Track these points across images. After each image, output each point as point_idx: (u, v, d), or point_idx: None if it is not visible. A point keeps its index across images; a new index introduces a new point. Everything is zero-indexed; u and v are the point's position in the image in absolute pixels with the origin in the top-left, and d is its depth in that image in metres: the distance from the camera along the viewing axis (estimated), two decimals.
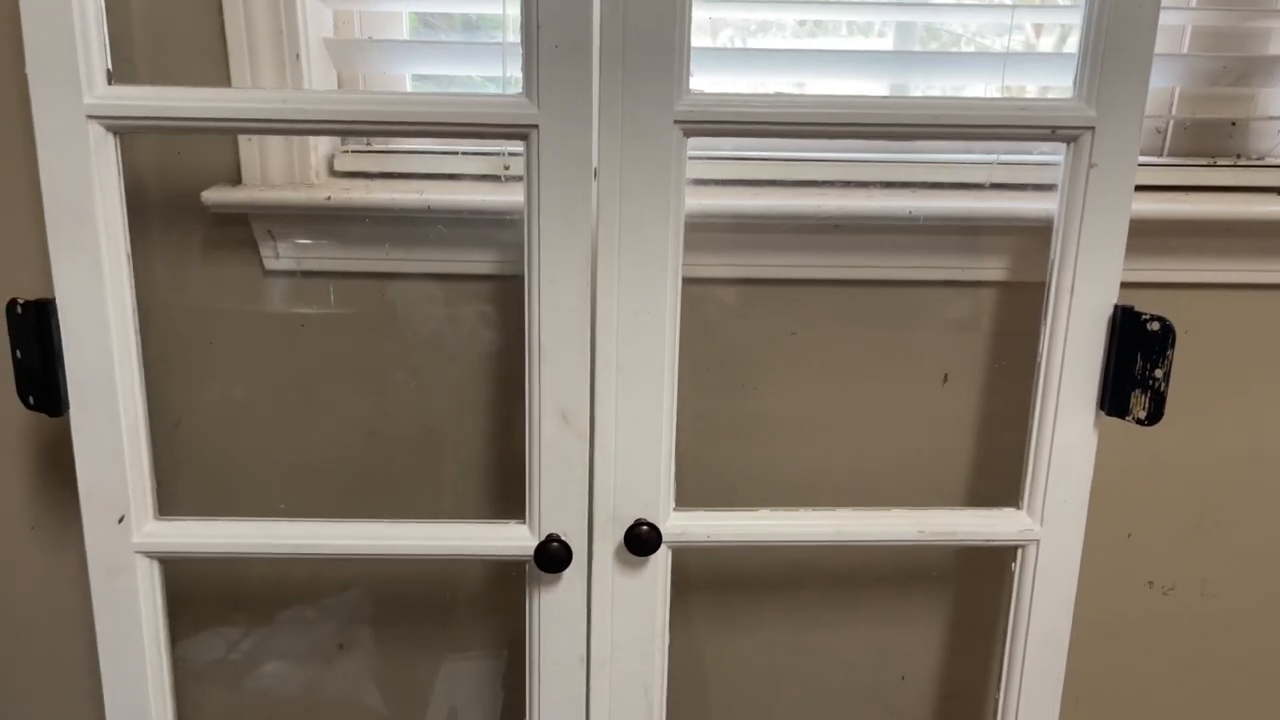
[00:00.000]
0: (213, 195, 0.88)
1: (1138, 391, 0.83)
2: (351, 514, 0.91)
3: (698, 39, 0.98)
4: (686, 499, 0.87)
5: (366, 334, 0.96)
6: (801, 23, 1.02)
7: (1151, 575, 1.09)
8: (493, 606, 1.07)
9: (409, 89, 0.98)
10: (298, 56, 0.86)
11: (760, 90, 0.97)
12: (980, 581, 1.08)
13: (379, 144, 0.95)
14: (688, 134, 0.78)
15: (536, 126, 0.76)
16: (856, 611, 1.08)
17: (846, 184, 0.94)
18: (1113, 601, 1.09)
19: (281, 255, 0.92)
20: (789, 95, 0.80)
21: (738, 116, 0.78)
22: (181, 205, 0.91)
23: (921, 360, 1.00)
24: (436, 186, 0.92)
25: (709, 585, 1.07)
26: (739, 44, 1.02)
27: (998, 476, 1.03)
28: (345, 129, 0.78)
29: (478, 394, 0.98)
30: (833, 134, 0.80)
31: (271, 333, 0.96)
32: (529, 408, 0.82)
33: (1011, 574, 0.90)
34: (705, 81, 0.93)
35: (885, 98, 0.80)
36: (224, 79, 0.87)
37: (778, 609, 1.08)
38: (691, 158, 0.80)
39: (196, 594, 1.04)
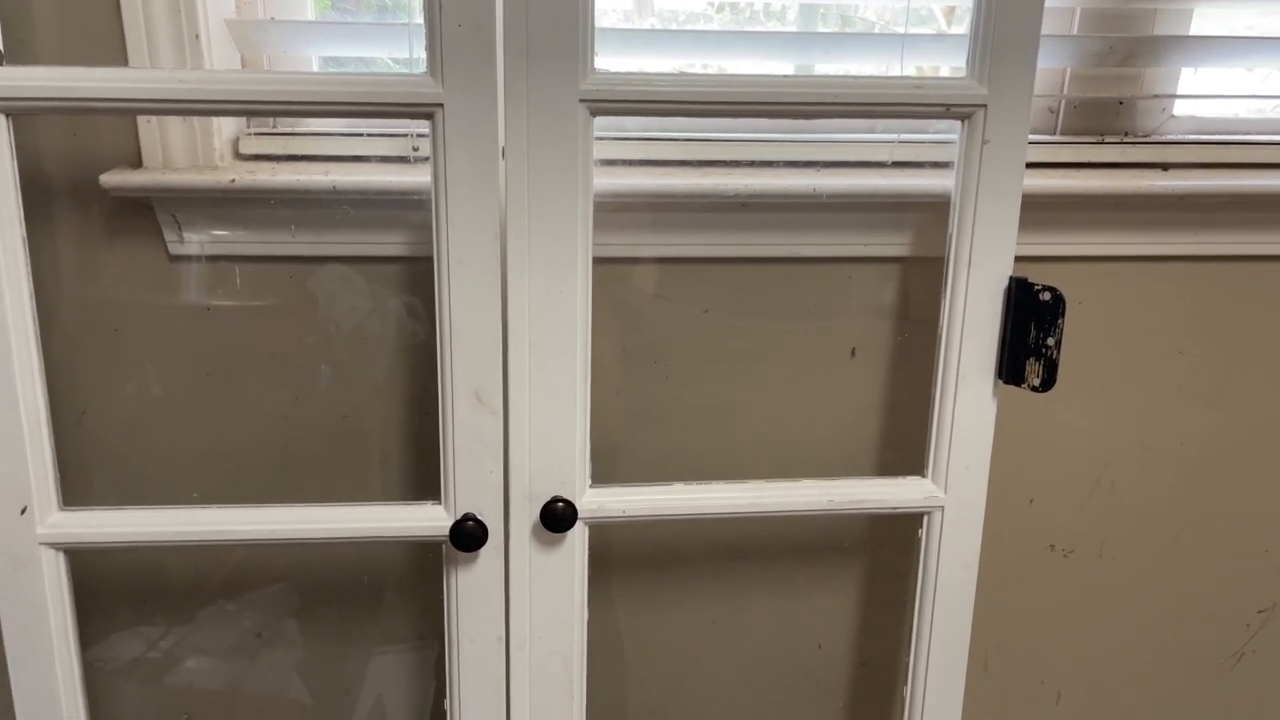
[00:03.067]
0: (112, 179, 0.86)
1: (1032, 360, 0.86)
2: (267, 503, 0.89)
3: (612, 21, 0.99)
4: (601, 479, 0.87)
5: (277, 319, 0.95)
6: (719, 8, 1.03)
7: (1053, 539, 1.13)
8: (424, 593, 1.06)
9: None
10: (197, 37, 0.85)
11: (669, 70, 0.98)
12: (891, 551, 1.10)
13: (285, 126, 0.94)
14: (594, 113, 0.78)
15: (441, 105, 0.76)
16: (773, 585, 1.10)
17: (753, 163, 0.96)
18: (1017, 565, 1.13)
19: (187, 240, 0.91)
20: (692, 75, 0.81)
21: (642, 95, 0.79)
22: (81, 190, 0.89)
23: (829, 336, 1.02)
24: (344, 168, 0.91)
25: (628, 564, 1.08)
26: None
27: (905, 447, 1.06)
28: (245, 109, 0.77)
29: (392, 377, 0.98)
30: (734, 112, 0.81)
31: (179, 319, 0.94)
32: (441, 388, 0.82)
33: (918, 540, 0.92)
34: (614, 63, 0.95)
35: (786, 76, 0.81)
36: (121, 59, 0.86)
37: (696, 585, 1.09)
38: (599, 138, 0.80)
39: (115, 590, 1.02)
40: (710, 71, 0.99)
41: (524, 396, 0.83)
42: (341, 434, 0.99)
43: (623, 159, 0.95)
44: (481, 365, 0.82)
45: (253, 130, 0.93)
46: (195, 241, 0.91)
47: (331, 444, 0.99)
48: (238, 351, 0.96)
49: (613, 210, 0.92)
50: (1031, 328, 0.85)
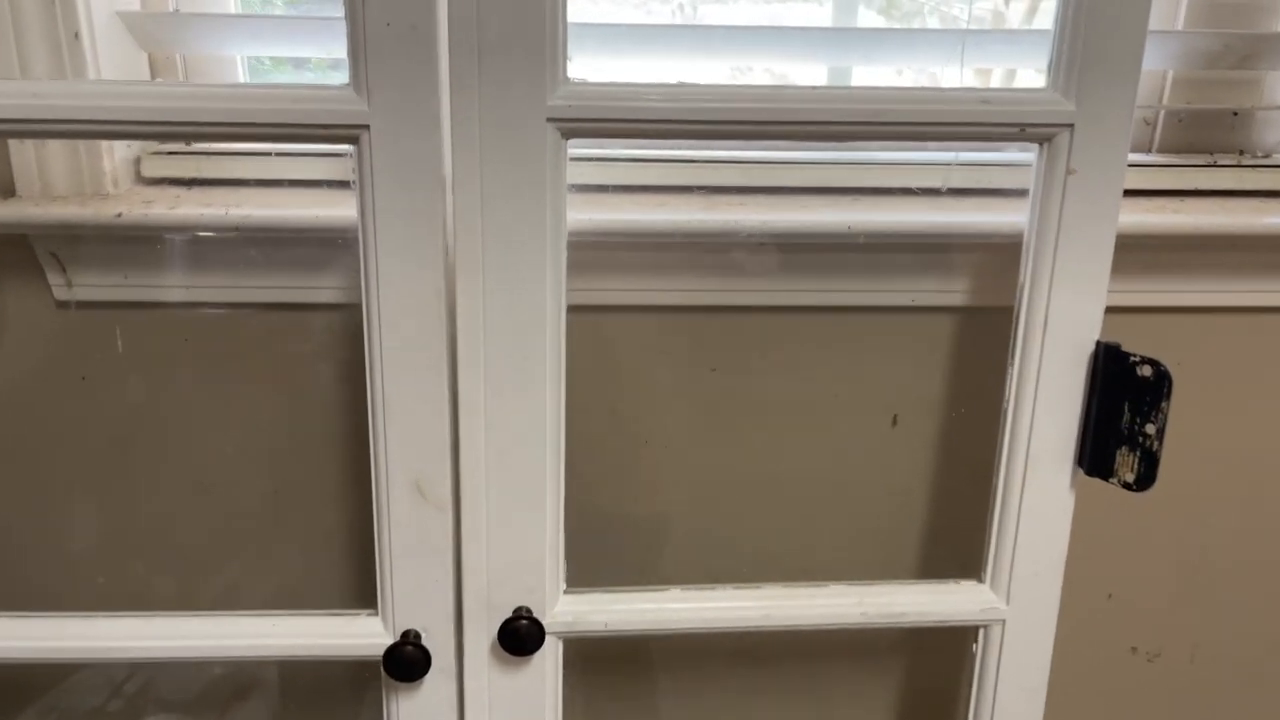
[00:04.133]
0: None
1: (1124, 449, 0.69)
2: (186, 590, 0.74)
3: (593, 13, 0.82)
4: (579, 580, 0.73)
5: (192, 377, 0.80)
6: None
7: (1135, 640, 0.98)
8: None
9: (241, 76, 0.80)
10: (76, 35, 0.69)
11: (667, 77, 0.81)
12: (938, 656, 0.96)
13: (200, 144, 0.78)
14: (566, 134, 0.63)
15: (367, 127, 0.61)
16: (792, 693, 0.96)
17: (772, 190, 0.79)
18: (1091, 669, 0.98)
19: (75, 284, 0.75)
20: (692, 85, 0.63)
21: (628, 113, 0.63)
22: None
23: (866, 400, 0.87)
24: (268, 196, 0.75)
25: (615, 662, 0.93)
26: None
27: (957, 538, 0.91)
28: (117, 131, 0.62)
29: (328, 447, 0.82)
30: (747, 134, 0.66)
31: (71, 378, 0.79)
32: (375, 477, 0.67)
33: (973, 656, 0.77)
34: (595, 67, 0.77)
35: (814, 89, 0.64)
36: None
37: (698, 692, 0.96)
38: (577, 159, 0.65)
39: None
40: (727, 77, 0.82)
41: (480, 487, 0.68)
42: (269, 514, 0.84)
43: (606, 184, 0.79)
44: (424, 450, 0.67)
45: (160, 150, 0.76)
46: (85, 285, 0.75)
47: (257, 527, 0.84)
48: (143, 416, 0.81)
49: (594, 248, 0.76)
50: (1125, 408, 0.68)
